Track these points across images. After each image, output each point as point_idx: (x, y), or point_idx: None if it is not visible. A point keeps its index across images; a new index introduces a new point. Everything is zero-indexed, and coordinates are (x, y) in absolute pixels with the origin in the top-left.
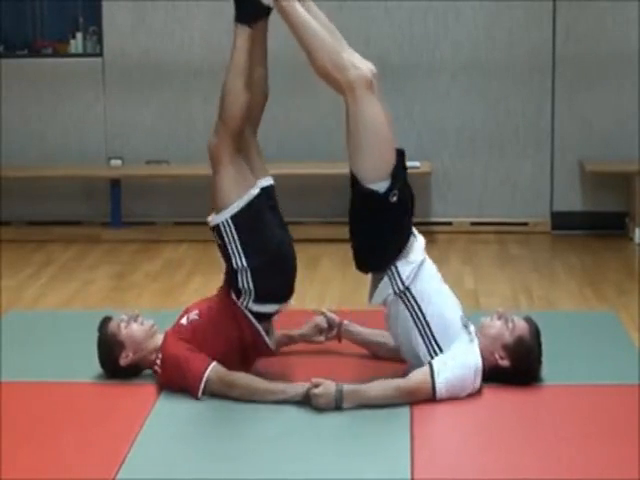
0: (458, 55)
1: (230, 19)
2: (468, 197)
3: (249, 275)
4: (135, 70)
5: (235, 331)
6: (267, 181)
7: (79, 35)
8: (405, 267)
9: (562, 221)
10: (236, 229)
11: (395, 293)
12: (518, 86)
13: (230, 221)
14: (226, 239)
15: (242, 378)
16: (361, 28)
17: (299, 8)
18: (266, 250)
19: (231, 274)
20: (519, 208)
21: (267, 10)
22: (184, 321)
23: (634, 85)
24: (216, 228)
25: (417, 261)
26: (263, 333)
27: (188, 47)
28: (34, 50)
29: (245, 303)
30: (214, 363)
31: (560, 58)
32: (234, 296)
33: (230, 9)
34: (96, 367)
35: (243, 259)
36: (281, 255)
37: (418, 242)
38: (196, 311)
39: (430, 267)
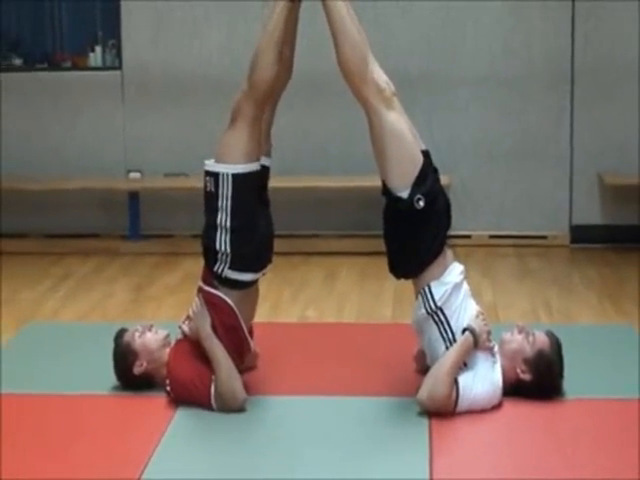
0: (476, 67)
1: (247, 33)
2: (487, 210)
3: (228, 237)
4: (154, 83)
5: (217, 319)
6: (267, 161)
7: (98, 48)
8: (439, 288)
9: (581, 234)
10: (233, 189)
11: (427, 313)
12: (537, 98)
13: (231, 177)
14: (220, 191)
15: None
16: (379, 40)
17: None
18: (249, 219)
19: (210, 233)
20: (538, 221)
21: None
22: (180, 335)
23: None
24: (214, 175)
25: (451, 283)
26: (238, 313)
27: (207, 60)
28: (53, 63)
29: (221, 269)
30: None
31: (579, 70)
32: (211, 265)
33: (247, 24)
34: (115, 379)
35: (228, 219)
36: (261, 227)
37: (456, 266)
38: (186, 322)
39: (465, 290)
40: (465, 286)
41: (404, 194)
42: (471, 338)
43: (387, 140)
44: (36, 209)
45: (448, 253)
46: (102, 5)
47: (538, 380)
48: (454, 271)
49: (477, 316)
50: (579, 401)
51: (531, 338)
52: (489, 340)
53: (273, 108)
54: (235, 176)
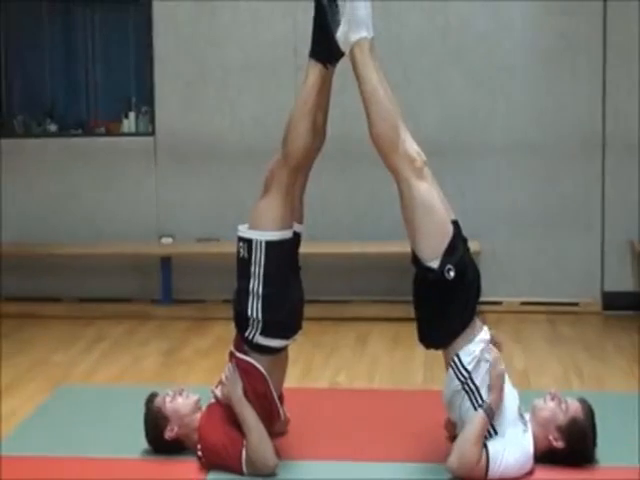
0: (508, 135)
1: (278, 100)
2: (518, 277)
3: (260, 304)
4: (186, 149)
5: (248, 385)
6: (299, 228)
7: (132, 115)
8: (467, 357)
9: (613, 301)
10: (266, 255)
11: (460, 381)
12: (568, 165)
13: (264, 245)
14: (253, 258)
15: (267, 447)
16: (411, 107)
17: (371, 65)
18: (281, 287)
19: (242, 299)
20: (569, 288)
21: (341, 55)
22: (212, 399)
23: None
24: (248, 241)
25: (479, 349)
26: (268, 379)
27: (238, 128)
28: (88, 129)
29: (252, 335)
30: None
31: (609, 138)
32: (242, 330)
33: (278, 91)
34: (146, 443)
35: (261, 286)
36: (292, 294)
37: (483, 331)
38: (219, 387)
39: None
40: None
41: (434, 264)
42: (487, 419)
43: (417, 211)
44: (69, 273)
45: (477, 322)
46: (136, 72)
47: (571, 448)
48: (482, 336)
49: (488, 360)
50: (612, 469)
51: (564, 405)
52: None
53: (306, 174)
54: (269, 243)
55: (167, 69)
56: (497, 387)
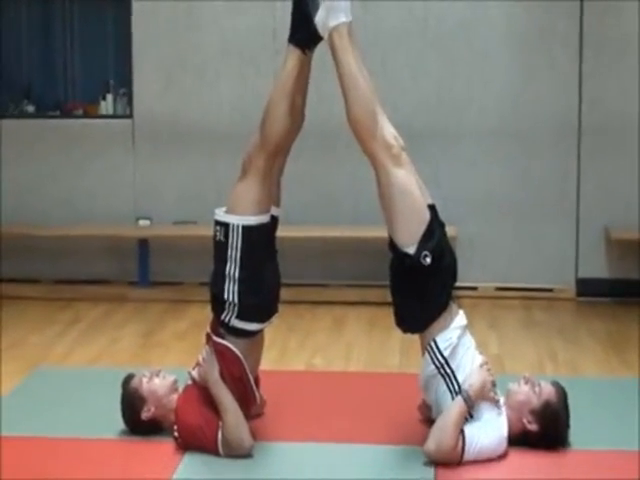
0: (484, 121)
1: (257, 84)
2: (493, 262)
3: (236, 287)
4: (164, 132)
5: (224, 367)
6: (276, 211)
7: (109, 97)
8: (444, 340)
9: (587, 288)
10: (242, 240)
11: (436, 366)
12: (544, 152)
13: (241, 229)
14: (230, 241)
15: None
16: (388, 94)
17: (349, 50)
18: (258, 271)
19: (219, 283)
20: (544, 274)
21: (320, 39)
22: (189, 381)
23: None
24: (225, 225)
25: (456, 333)
26: (244, 362)
27: (216, 111)
28: (65, 111)
29: (228, 318)
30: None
31: (586, 126)
32: (218, 313)
33: (257, 75)
34: (122, 424)
35: (237, 269)
36: (268, 278)
37: (459, 317)
38: (196, 368)
39: (469, 342)
40: (469, 337)
41: (411, 250)
42: (465, 407)
43: (395, 197)
44: (46, 255)
45: (453, 307)
46: (114, 54)
47: (544, 431)
48: (458, 322)
49: (481, 365)
50: (584, 452)
51: (537, 389)
52: (493, 391)
53: (284, 158)
54: (245, 228)
55: (146, 51)
56: (482, 395)
